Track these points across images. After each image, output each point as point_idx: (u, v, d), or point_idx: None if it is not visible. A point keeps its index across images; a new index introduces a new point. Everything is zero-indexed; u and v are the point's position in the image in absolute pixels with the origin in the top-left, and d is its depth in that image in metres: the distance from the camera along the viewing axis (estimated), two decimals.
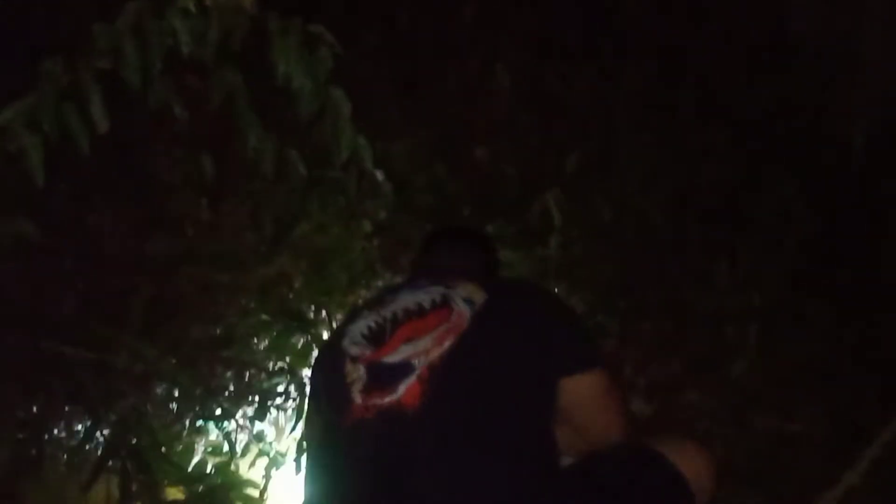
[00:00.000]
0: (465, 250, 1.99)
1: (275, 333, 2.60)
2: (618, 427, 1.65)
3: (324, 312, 2.67)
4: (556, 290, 2.78)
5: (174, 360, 2.35)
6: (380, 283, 2.83)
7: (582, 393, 1.61)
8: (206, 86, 1.81)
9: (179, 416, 2.57)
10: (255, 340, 2.58)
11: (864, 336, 2.58)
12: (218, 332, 2.51)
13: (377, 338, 1.66)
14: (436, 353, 1.56)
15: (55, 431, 2.57)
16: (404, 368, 1.56)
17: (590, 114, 3.05)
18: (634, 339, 2.78)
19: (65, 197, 2.30)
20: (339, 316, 2.68)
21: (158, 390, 2.51)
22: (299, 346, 2.62)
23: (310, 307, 2.67)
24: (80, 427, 2.51)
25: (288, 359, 2.62)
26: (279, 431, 2.74)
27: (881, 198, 2.84)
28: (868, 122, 2.84)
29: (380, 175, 2.03)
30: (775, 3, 2.95)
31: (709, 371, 2.58)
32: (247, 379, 2.60)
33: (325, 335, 2.66)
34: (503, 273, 2.82)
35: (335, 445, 1.62)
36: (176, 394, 2.47)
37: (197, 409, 2.49)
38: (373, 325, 1.69)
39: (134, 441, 2.35)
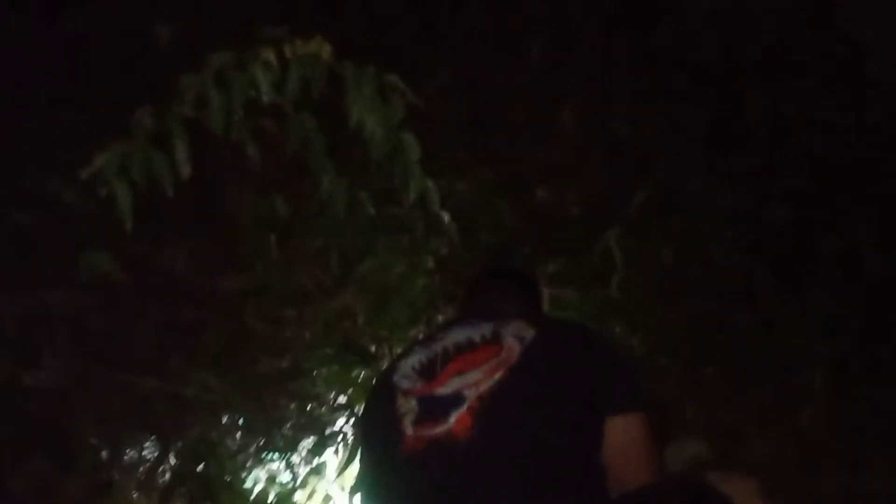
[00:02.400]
0: (511, 289, 2.04)
1: (337, 367, 2.63)
2: (650, 473, 1.65)
3: (386, 347, 2.70)
4: (615, 330, 2.78)
5: (241, 392, 2.40)
6: (440, 319, 2.86)
7: (623, 434, 1.62)
8: (281, 130, 1.88)
9: (244, 447, 2.61)
10: (317, 374, 2.62)
11: None
12: (284, 365, 2.56)
13: (429, 371, 1.70)
14: (486, 385, 1.59)
15: (126, 457, 2.64)
16: (455, 400, 1.59)
17: (656, 154, 3.06)
18: (697, 385, 2.75)
19: (144, 235, 2.39)
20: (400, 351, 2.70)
21: (225, 420, 2.56)
22: (359, 380, 2.65)
23: (372, 342, 2.70)
24: (150, 454, 2.57)
25: (349, 392, 2.65)
26: (340, 464, 2.77)
27: None
28: None
29: (446, 216, 2.06)
30: (849, 39, 2.93)
31: (775, 420, 2.53)
32: (309, 411, 2.63)
33: None
34: (562, 313, 2.86)
35: (388, 478, 1.65)
36: (241, 423, 2.52)
37: (261, 440, 2.53)
38: (424, 359, 1.74)
39: (200, 469, 2.41)
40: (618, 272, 2.85)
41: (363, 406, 1.98)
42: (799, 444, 2.47)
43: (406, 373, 1.73)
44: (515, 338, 1.68)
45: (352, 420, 2.67)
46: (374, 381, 2.33)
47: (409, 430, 1.61)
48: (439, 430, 1.57)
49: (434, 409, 1.60)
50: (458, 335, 1.75)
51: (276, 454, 2.62)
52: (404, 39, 3.03)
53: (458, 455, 1.54)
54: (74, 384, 2.12)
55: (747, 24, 2.99)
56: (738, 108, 2.96)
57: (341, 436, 2.66)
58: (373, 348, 2.77)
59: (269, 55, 1.54)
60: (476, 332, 1.73)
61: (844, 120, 2.82)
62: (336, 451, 2.78)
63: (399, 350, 2.75)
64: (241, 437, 2.52)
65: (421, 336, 2.50)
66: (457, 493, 1.52)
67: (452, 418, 1.57)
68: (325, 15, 2.81)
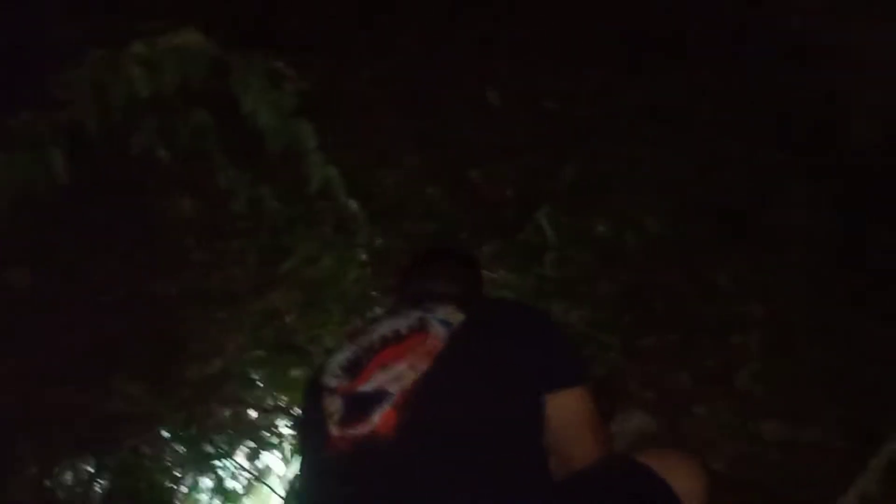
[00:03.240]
0: (447, 273, 1.97)
1: (270, 369, 2.57)
2: (600, 445, 1.62)
3: (321, 345, 2.65)
4: (554, 308, 2.75)
5: (170, 402, 2.33)
6: (378, 311, 2.81)
7: (566, 409, 1.58)
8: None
9: (181, 458, 2.55)
10: (252, 377, 2.56)
11: (875, 339, 2.50)
12: (213, 370, 2.49)
13: (354, 368, 1.64)
14: (411, 379, 1.54)
15: (62, 476, 2.57)
16: (379, 396, 1.54)
17: (586, 127, 3.02)
18: (639, 354, 2.72)
19: (64, 245, 2.32)
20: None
21: (159, 433, 2.50)
22: (296, 380, 2.60)
23: (306, 340, 2.65)
24: (84, 473, 2.51)
25: (285, 396, 2.60)
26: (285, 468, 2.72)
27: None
28: (872, 126, 2.79)
29: (354, 205, 2.01)
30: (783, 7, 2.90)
31: (715, 382, 2.52)
32: (244, 415, 2.58)
33: None
34: (503, 294, 2.83)
35: (317, 480, 1.61)
36: (173, 434, 2.46)
37: (194, 450, 2.47)
38: (350, 355, 1.68)
39: (135, 485, 2.34)
40: (551, 250, 2.81)
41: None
42: (738, 403, 2.46)
43: (333, 371, 1.67)
44: (442, 324, 1.63)
45: (290, 422, 2.62)
46: (308, 379, 2.28)
47: (334, 430, 1.56)
48: (363, 429, 1.52)
49: (358, 407, 1.55)
50: (385, 327, 1.69)
51: (215, 462, 2.57)
52: (337, 31, 2.98)
53: (384, 454, 1.49)
54: None
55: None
56: (666, 76, 2.93)
57: (281, 439, 2.61)
58: (309, 347, 2.73)
59: (141, 48, 1.47)
60: (404, 322, 1.67)
61: (774, 85, 2.80)
62: (283, 455, 2.74)
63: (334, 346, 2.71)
64: (175, 448, 2.46)
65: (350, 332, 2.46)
66: (383, 493, 1.46)
67: (376, 417, 1.52)
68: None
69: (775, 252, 2.71)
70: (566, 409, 1.58)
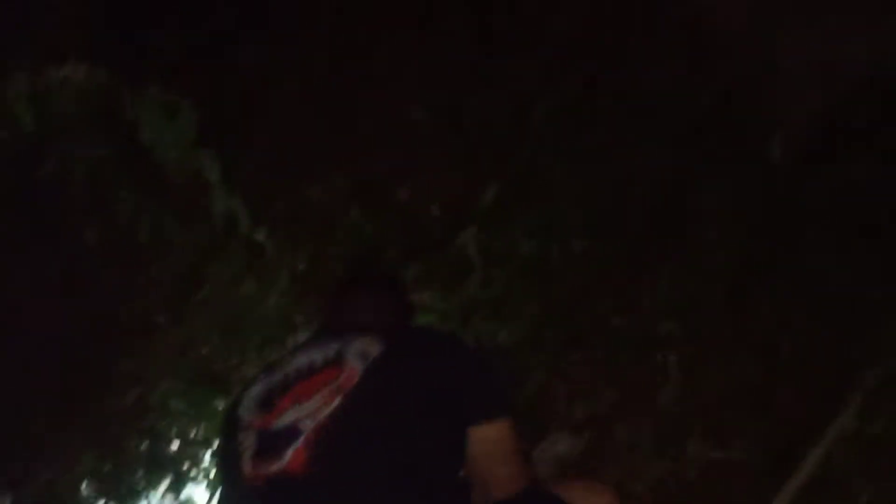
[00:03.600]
0: (368, 301, 1.94)
1: (191, 400, 2.51)
2: (521, 476, 1.61)
3: (241, 374, 2.59)
4: (481, 328, 2.74)
5: (84, 436, 2.26)
6: (301, 338, 2.76)
7: (488, 442, 1.57)
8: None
9: (100, 492, 2.47)
10: (169, 408, 2.50)
11: (794, 354, 2.54)
12: (128, 402, 2.42)
13: (267, 403, 1.61)
14: (323, 414, 1.52)
15: None
16: (291, 433, 1.51)
17: (506, 144, 3.02)
18: (565, 373, 2.72)
19: None
20: None
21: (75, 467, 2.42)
22: (216, 411, 2.54)
23: (227, 370, 2.59)
24: None
25: (206, 427, 2.54)
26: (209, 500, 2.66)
27: (807, 208, 2.80)
28: (788, 131, 2.82)
29: (261, 233, 1.97)
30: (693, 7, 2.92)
31: (639, 401, 2.53)
32: (165, 449, 2.51)
33: None
34: (425, 317, 2.80)
35: None
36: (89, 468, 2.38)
37: (113, 484, 2.39)
38: (265, 389, 1.65)
39: None
40: (477, 269, 2.80)
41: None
42: (661, 422, 2.47)
43: (248, 405, 1.65)
44: (359, 357, 1.60)
45: (211, 454, 2.56)
46: (225, 411, 2.23)
47: (247, 467, 1.54)
48: (275, 466, 1.49)
49: (271, 444, 1.53)
50: (301, 360, 1.66)
51: (136, 496, 2.49)
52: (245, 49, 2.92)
53: (296, 492, 1.47)
54: None
55: (591, 6, 2.97)
56: (587, 92, 2.93)
57: (203, 471, 2.54)
58: (229, 376, 2.67)
59: (22, 84, 1.42)
60: (320, 354, 1.64)
61: (690, 93, 2.82)
62: (206, 487, 2.67)
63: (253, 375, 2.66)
64: (92, 482, 2.38)
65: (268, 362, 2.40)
66: None
67: (288, 454, 1.49)
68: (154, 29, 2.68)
69: (694, 267, 2.73)
70: (488, 441, 1.57)
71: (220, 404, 2.56)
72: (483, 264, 2.82)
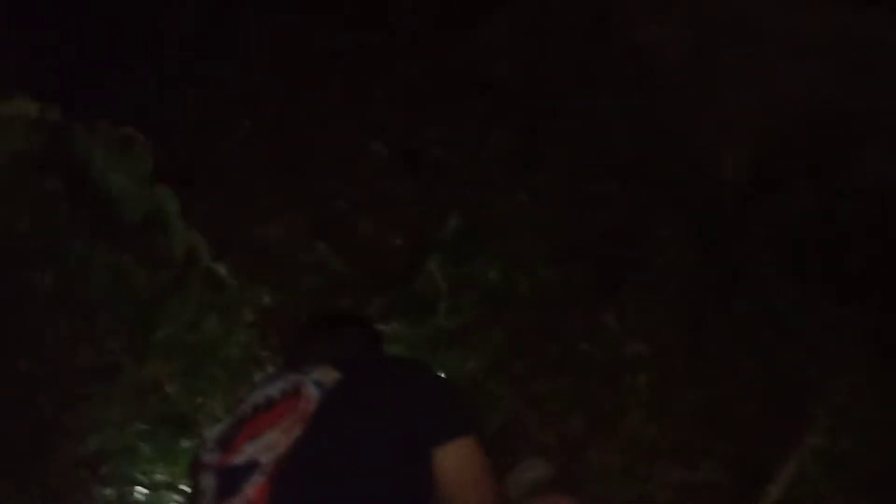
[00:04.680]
0: (328, 335, 1.91)
1: (157, 442, 2.45)
2: (491, 495, 1.58)
3: (206, 413, 2.54)
4: (448, 358, 2.72)
5: (42, 485, 2.19)
6: (267, 372, 2.72)
7: (455, 462, 1.52)
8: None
9: None
10: (134, 452, 2.43)
11: (757, 374, 2.55)
12: (91, 448, 2.36)
13: (225, 441, 1.57)
14: (284, 445, 1.48)
15: None
16: (249, 468, 1.47)
17: (467, 176, 3.03)
18: (534, 399, 2.71)
19: None
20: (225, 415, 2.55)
21: None
22: (188, 451, 2.48)
23: (192, 410, 2.53)
24: None
25: (174, 469, 2.47)
26: None
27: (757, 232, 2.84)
28: (736, 155, 2.87)
29: (222, 269, 1.94)
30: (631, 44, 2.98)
31: (608, 424, 2.52)
32: (131, 495, 2.44)
33: None
34: (393, 348, 2.78)
35: None
36: None
37: None
38: (225, 428, 1.61)
39: None
40: (442, 299, 2.79)
41: None
42: (631, 445, 2.46)
43: (210, 445, 1.60)
44: (316, 385, 1.57)
45: (180, 498, 2.50)
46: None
47: None
48: (237, 502, 1.45)
49: (230, 481, 1.48)
50: (258, 395, 1.62)
51: None
52: (196, 89, 2.90)
53: None
54: None
55: (540, 41, 3.01)
56: (540, 123, 2.97)
57: None
58: (195, 416, 2.61)
59: None
60: (277, 386, 1.60)
61: (639, 122, 2.86)
62: None
63: (224, 414, 2.61)
64: None
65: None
66: None
67: (249, 490, 1.44)
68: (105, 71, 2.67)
69: (655, 290, 2.74)
70: (455, 461, 1.52)
71: (187, 445, 2.51)
72: (449, 293, 2.81)
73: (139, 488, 2.56)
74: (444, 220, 2.96)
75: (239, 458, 1.50)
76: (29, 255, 2.05)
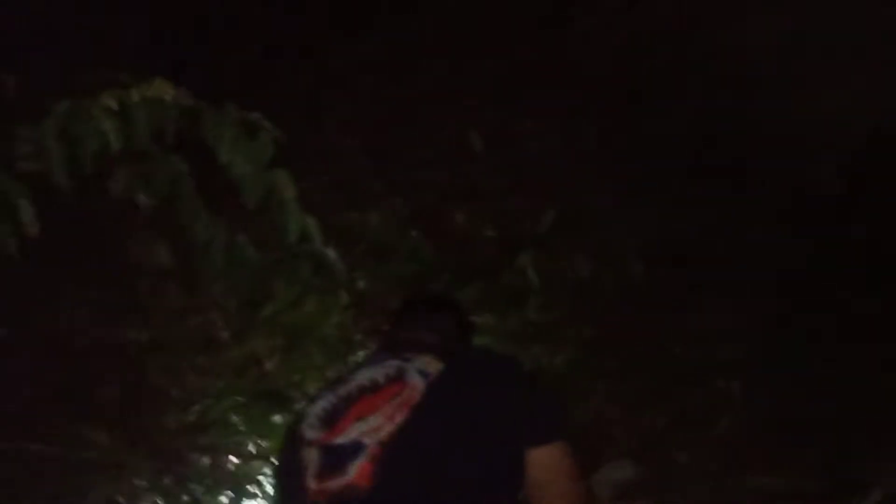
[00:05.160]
0: (428, 322, 1.95)
1: (250, 415, 2.55)
2: (578, 499, 1.61)
3: (301, 390, 2.62)
4: (536, 352, 2.74)
5: (145, 450, 2.30)
6: (360, 355, 2.79)
7: (545, 465, 1.56)
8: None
9: None
10: (231, 424, 2.53)
11: (853, 382, 2.50)
12: (191, 417, 2.46)
13: (331, 419, 1.62)
14: (387, 430, 1.53)
15: None
16: (355, 448, 1.53)
17: (564, 169, 3.03)
18: (622, 399, 2.71)
19: (34, 288, 2.29)
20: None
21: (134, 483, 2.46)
22: (277, 426, 2.57)
23: (287, 386, 2.62)
24: None
25: (266, 443, 2.57)
26: None
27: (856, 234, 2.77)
28: (831, 157, 2.81)
29: (332, 253, 2.00)
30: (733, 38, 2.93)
31: (697, 428, 2.50)
32: (224, 464, 2.54)
33: None
34: (482, 339, 2.81)
35: None
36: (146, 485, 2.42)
37: (172, 499, 2.43)
38: (328, 406, 1.66)
39: None
40: (534, 293, 2.81)
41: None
42: (720, 450, 2.44)
43: (311, 421, 1.66)
44: (420, 374, 1.61)
45: (270, 469, 2.59)
46: (286, 429, 2.26)
47: (311, 483, 1.54)
48: (340, 482, 1.50)
49: (334, 460, 1.54)
50: (363, 377, 1.67)
51: None
52: (304, 72, 2.98)
53: None
54: None
55: (641, 36, 2.99)
56: (640, 118, 2.95)
57: (261, 487, 2.57)
58: (289, 392, 2.70)
59: (110, 102, 1.47)
60: (381, 371, 1.65)
61: (733, 120, 2.82)
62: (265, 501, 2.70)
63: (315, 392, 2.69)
64: (151, 497, 2.42)
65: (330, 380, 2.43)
66: None
67: (352, 469, 1.50)
68: (216, 52, 2.76)
69: (747, 293, 2.70)
70: (545, 464, 1.56)
71: (280, 420, 2.60)
72: (540, 288, 2.83)
73: (232, 458, 2.67)
74: (536, 213, 2.97)
75: (344, 438, 1.56)
76: (147, 230, 2.17)
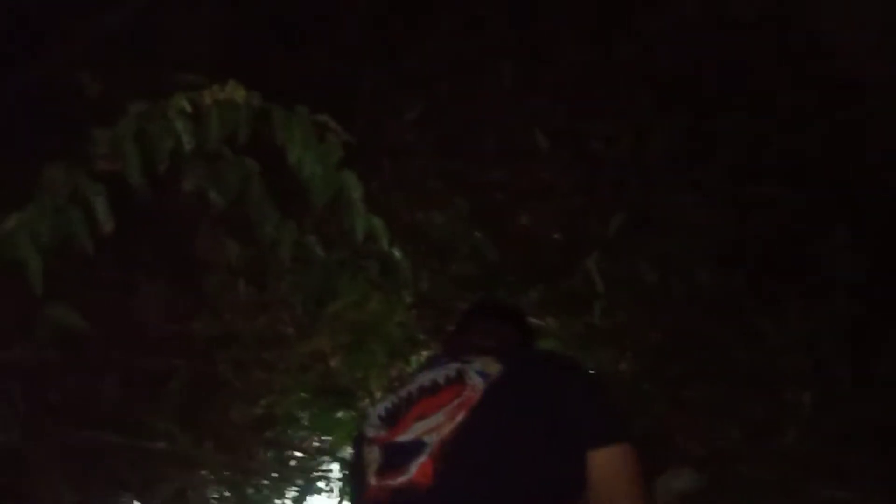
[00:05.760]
0: (488, 326, 1.97)
1: (316, 411, 2.58)
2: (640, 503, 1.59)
3: (365, 387, 2.65)
4: (601, 357, 2.71)
5: (214, 443, 2.35)
6: (424, 355, 2.81)
7: (608, 467, 1.55)
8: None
9: (224, 501, 2.56)
10: (296, 419, 2.57)
11: None
12: (258, 412, 2.51)
13: (392, 418, 1.66)
14: (448, 429, 1.55)
15: None
16: (417, 446, 1.55)
17: (631, 171, 2.99)
18: (686, 406, 2.67)
19: (108, 281, 2.37)
20: (380, 391, 2.66)
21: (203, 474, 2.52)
22: (342, 422, 2.60)
23: (351, 383, 2.65)
24: None
25: (329, 438, 2.60)
26: None
27: None
28: None
29: (398, 253, 2.01)
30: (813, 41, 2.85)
31: (763, 438, 2.44)
32: (288, 457, 2.58)
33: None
34: (545, 342, 2.80)
35: None
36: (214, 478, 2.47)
37: (239, 492, 2.48)
38: (389, 405, 1.70)
39: None
40: (599, 297, 2.78)
41: None
42: (786, 461, 2.38)
43: (373, 421, 1.70)
44: (480, 375, 1.63)
45: (336, 464, 2.62)
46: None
47: (372, 480, 1.58)
48: (401, 479, 1.53)
49: (396, 457, 1.57)
50: (423, 378, 1.71)
51: None
52: (370, 71, 3.01)
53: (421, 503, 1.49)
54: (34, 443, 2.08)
55: (714, 36, 2.93)
56: (711, 120, 2.89)
57: (326, 481, 2.61)
58: (353, 389, 2.73)
59: (184, 103, 1.51)
60: (441, 373, 1.68)
61: (812, 122, 2.74)
62: (329, 498, 2.74)
63: (379, 390, 2.72)
64: (219, 490, 2.47)
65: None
66: None
67: (413, 467, 1.53)
68: (283, 52, 2.81)
69: (822, 301, 2.63)
70: (607, 466, 1.55)
71: (344, 416, 2.63)
72: (605, 292, 2.79)
73: (296, 453, 2.71)
74: (603, 215, 2.94)
75: (406, 436, 1.58)
76: (217, 228, 2.22)
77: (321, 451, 2.66)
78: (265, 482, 2.52)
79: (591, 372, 2.26)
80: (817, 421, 2.41)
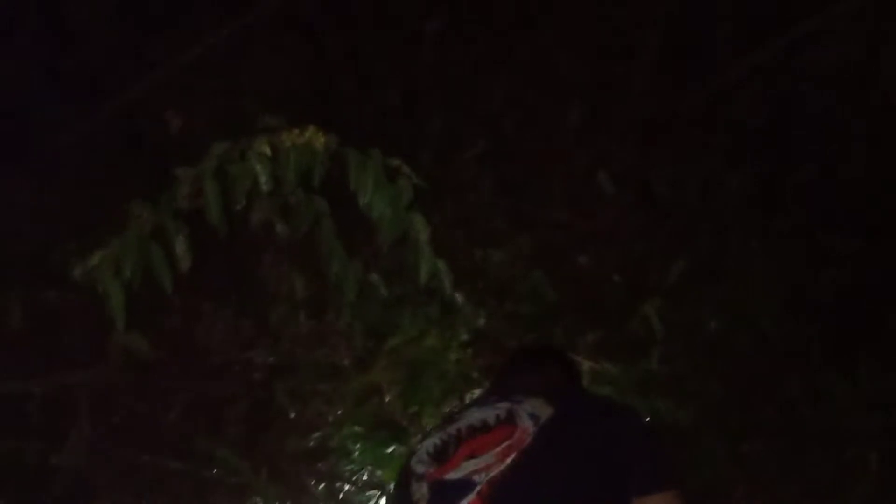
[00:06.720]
0: (538, 368, 1.96)
1: (368, 445, 2.59)
2: None
3: (419, 423, 2.65)
4: (658, 406, 2.67)
5: (267, 472, 2.37)
6: (476, 392, 2.79)
7: None
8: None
9: None
10: (349, 452, 2.58)
11: None
12: (311, 444, 2.53)
13: (441, 455, 1.66)
14: (497, 469, 1.55)
15: None
16: (466, 485, 1.55)
17: (697, 217, 2.96)
18: (745, 460, 2.61)
19: (175, 309, 2.42)
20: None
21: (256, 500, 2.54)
22: (393, 457, 2.60)
23: (404, 418, 2.65)
24: None
25: (381, 472, 2.61)
26: None
27: None
28: None
29: (459, 297, 2.02)
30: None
31: (825, 498, 2.37)
32: (337, 489, 2.59)
33: None
34: (602, 388, 2.77)
35: None
36: None
37: None
38: (438, 442, 1.70)
39: None
40: (659, 343, 2.74)
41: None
42: None
43: (421, 457, 1.70)
44: (530, 417, 1.63)
45: (383, 499, 2.62)
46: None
47: None
48: None
49: (444, 495, 1.58)
50: (473, 416, 1.71)
51: None
52: (438, 109, 3.03)
53: None
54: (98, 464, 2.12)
55: (789, 84, 2.90)
56: (781, 169, 2.85)
57: None
58: (406, 424, 2.73)
59: (265, 146, 1.54)
60: (491, 412, 1.68)
61: (890, 178, 2.68)
62: None
63: (431, 426, 2.71)
64: None
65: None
66: None
67: None
68: (353, 89, 2.85)
69: (892, 360, 2.55)
70: None
71: (396, 451, 2.62)
72: (664, 338, 2.76)
73: (347, 486, 2.71)
74: (667, 260, 2.91)
75: (455, 474, 1.59)
76: (285, 262, 2.25)
77: (371, 485, 2.66)
78: None
79: (644, 419, 2.23)
80: (883, 482, 2.34)
